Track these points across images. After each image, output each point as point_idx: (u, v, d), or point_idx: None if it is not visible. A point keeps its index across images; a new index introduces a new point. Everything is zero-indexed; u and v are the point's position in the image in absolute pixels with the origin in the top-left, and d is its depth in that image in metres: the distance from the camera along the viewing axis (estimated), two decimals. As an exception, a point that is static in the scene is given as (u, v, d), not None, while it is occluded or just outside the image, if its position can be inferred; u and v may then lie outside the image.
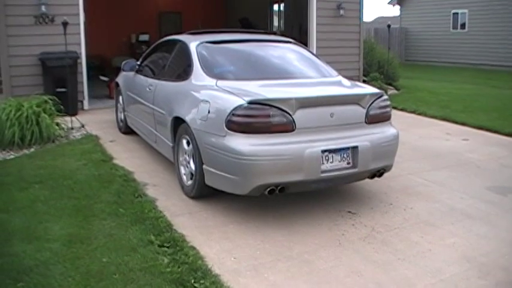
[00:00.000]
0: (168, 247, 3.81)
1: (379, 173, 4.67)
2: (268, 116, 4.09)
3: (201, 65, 5.03)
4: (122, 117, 7.47)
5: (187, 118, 4.71)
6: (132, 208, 4.51)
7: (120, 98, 7.54)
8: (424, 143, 7.38)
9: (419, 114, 9.83)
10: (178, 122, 4.98)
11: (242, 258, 3.71)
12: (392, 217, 4.54)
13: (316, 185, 4.35)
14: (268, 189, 4.12)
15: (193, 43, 5.40)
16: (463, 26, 22.08)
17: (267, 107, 4.10)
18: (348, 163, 4.36)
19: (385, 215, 4.57)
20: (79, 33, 8.93)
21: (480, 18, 21.03)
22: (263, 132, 4.09)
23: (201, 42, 5.41)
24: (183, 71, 5.31)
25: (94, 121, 8.37)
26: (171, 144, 5.25)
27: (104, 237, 3.96)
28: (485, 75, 17.79)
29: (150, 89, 5.96)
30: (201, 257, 3.68)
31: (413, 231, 4.24)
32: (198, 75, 4.98)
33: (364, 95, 4.58)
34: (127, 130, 7.34)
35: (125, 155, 6.39)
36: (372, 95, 4.62)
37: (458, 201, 4.95)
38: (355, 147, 4.35)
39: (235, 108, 4.12)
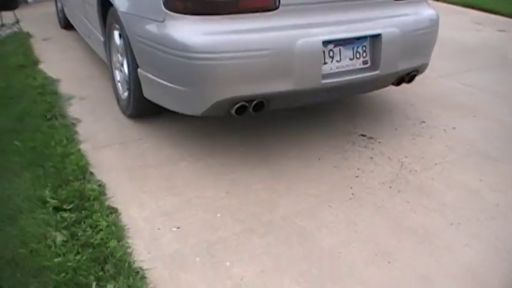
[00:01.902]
0: (69, 210, 2.28)
1: (409, 76, 3.06)
2: (233, -17, 2.41)
3: None
4: (60, 6, 5.73)
5: (115, -3, 3.02)
6: (33, 139, 2.94)
7: (57, -18, 5.76)
8: (451, 35, 5.67)
9: (435, -1, 8.04)
10: (106, 5, 3.29)
11: (191, 229, 2.20)
12: (429, 144, 3.00)
13: (313, 97, 2.77)
14: (237, 106, 2.53)
15: None
16: None
17: (231, -34, 2.41)
18: (365, 62, 2.74)
19: (417, 141, 3.03)
20: None
21: None
22: (225, 11, 2.42)
23: None
24: None
25: (34, 15, 6.61)
26: (102, 39, 3.59)
27: (-29, 193, 2.42)
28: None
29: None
30: (121, 228, 2.16)
31: (465, 169, 2.72)
32: None
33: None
34: (67, 24, 5.60)
35: (57, 57, 4.75)
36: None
37: (521, 116, 3.41)
38: (376, 37, 2.70)
39: (178, -29, 2.43)
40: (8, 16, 6.31)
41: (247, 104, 2.55)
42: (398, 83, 3.07)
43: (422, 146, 2.97)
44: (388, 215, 2.31)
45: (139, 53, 2.80)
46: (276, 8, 2.48)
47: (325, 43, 2.55)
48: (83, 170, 2.60)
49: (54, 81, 3.98)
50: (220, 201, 2.40)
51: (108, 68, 3.61)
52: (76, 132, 3.10)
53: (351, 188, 2.51)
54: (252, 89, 2.48)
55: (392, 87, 3.24)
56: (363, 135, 3.07)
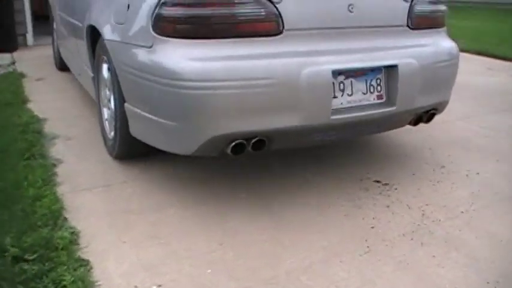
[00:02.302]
0: (32, 261, 1.92)
1: (428, 115, 2.75)
2: (232, 3, 2.13)
3: None
4: (56, 47, 5.52)
5: (102, 25, 2.75)
6: (4, 179, 2.60)
7: (54, 23, 5.56)
8: (465, 78, 5.37)
9: (446, 47, 7.85)
10: (95, 36, 3.03)
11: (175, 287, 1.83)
12: (451, 190, 2.66)
13: (322, 136, 2.44)
14: (233, 144, 2.20)
15: None
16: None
17: (229, -14, 2.14)
18: (380, 96, 2.43)
19: (438, 187, 2.69)
20: None
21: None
22: (221, 35, 2.13)
23: None
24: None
25: (32, 57, 6.41)
26: (91, 74, 3.32)
27: None
28: (505, 14, 15.60)
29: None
30: (89, 285, 1.79)
31: (495, 218, 2.37)
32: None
33: (406, -22, 2.61)
34: (63, 65, 5.37)
35: (48, 97, 4.48)
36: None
37: (550, 161, 3.07)
38: (392, 68, 2.41)
39: (169, -8, 2.15)
40: (6, 58, 6.14)
41: (245, 142, 2.22)
42: (416, 122, 2.74)
43: (445, 192, 2.63)
44: (411, 271, 1.94)
45: (126, 85, 2.50)
46: (280, 32, 2.20)
47: (335, 74, 2.25)
48: (55, 215, 2.25)
49: (39, 120, 3.69)
50: (211, 254, 2.04)
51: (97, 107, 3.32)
52: (54, 174, 2.77)
53: (366, 240, 2.15)
54: (250, 124, 2.16)
55: (407, 128, 2.92)
56: (377, 181, 2.73)
